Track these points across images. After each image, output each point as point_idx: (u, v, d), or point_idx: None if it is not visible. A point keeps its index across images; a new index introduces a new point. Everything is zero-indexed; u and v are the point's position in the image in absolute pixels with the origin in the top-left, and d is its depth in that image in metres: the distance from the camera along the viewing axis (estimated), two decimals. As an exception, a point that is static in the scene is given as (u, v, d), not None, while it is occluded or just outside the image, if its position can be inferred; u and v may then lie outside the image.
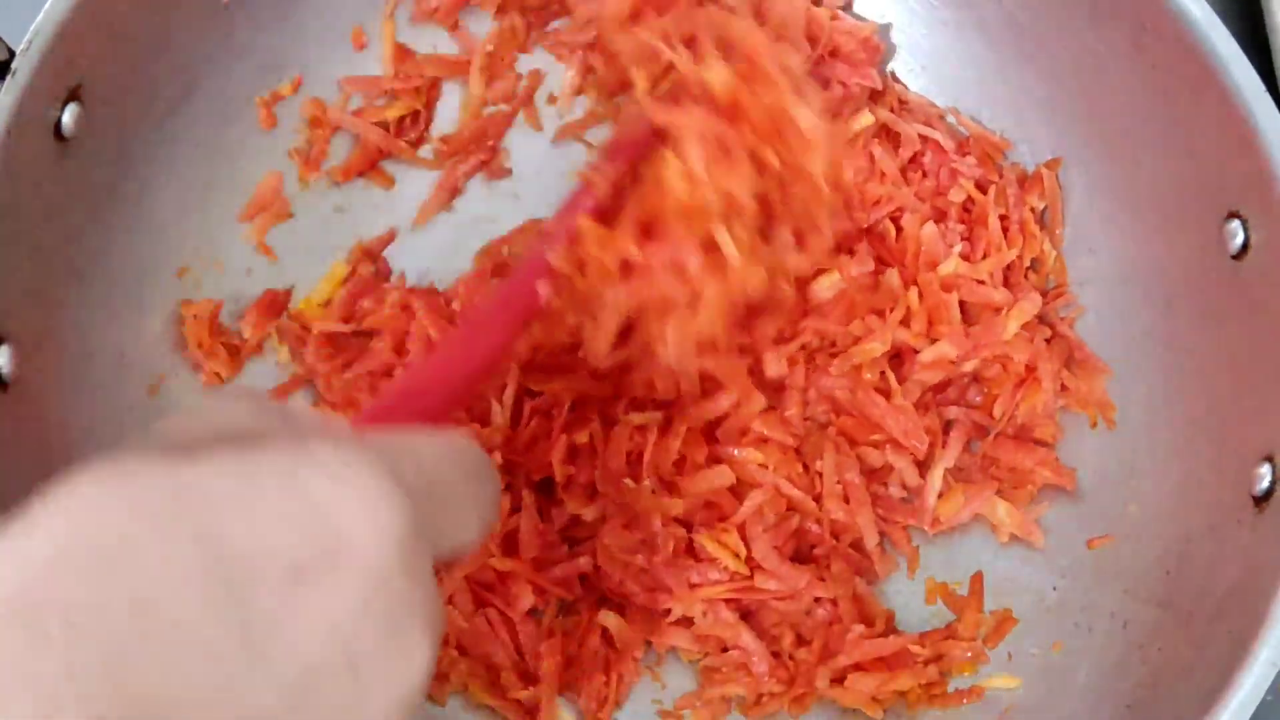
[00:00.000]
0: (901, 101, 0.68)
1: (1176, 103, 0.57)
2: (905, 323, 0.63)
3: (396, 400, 0.42)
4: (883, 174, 0.65)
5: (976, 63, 0.67)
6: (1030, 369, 0.63)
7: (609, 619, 0.60)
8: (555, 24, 0.69)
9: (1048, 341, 0.64)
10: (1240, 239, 0.54)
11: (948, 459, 0.62)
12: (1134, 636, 0.57)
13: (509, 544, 0.60)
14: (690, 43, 0.53)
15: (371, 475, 0.29)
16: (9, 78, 0.49)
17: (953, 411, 0.63)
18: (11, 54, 0.50)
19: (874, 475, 0.63)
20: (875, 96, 0.67)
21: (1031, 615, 0.61)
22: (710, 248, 0.51)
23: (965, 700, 0.60)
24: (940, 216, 0.65)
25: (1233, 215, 0.55)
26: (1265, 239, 0.53)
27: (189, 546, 0.26)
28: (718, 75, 0.51)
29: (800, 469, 0.62)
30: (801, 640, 0.60)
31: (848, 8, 0.69)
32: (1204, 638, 0.52)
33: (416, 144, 0.68)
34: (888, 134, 0.67)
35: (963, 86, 0.68)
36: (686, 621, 0.60)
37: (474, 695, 0.60)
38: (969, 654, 0.60)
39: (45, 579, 0.25)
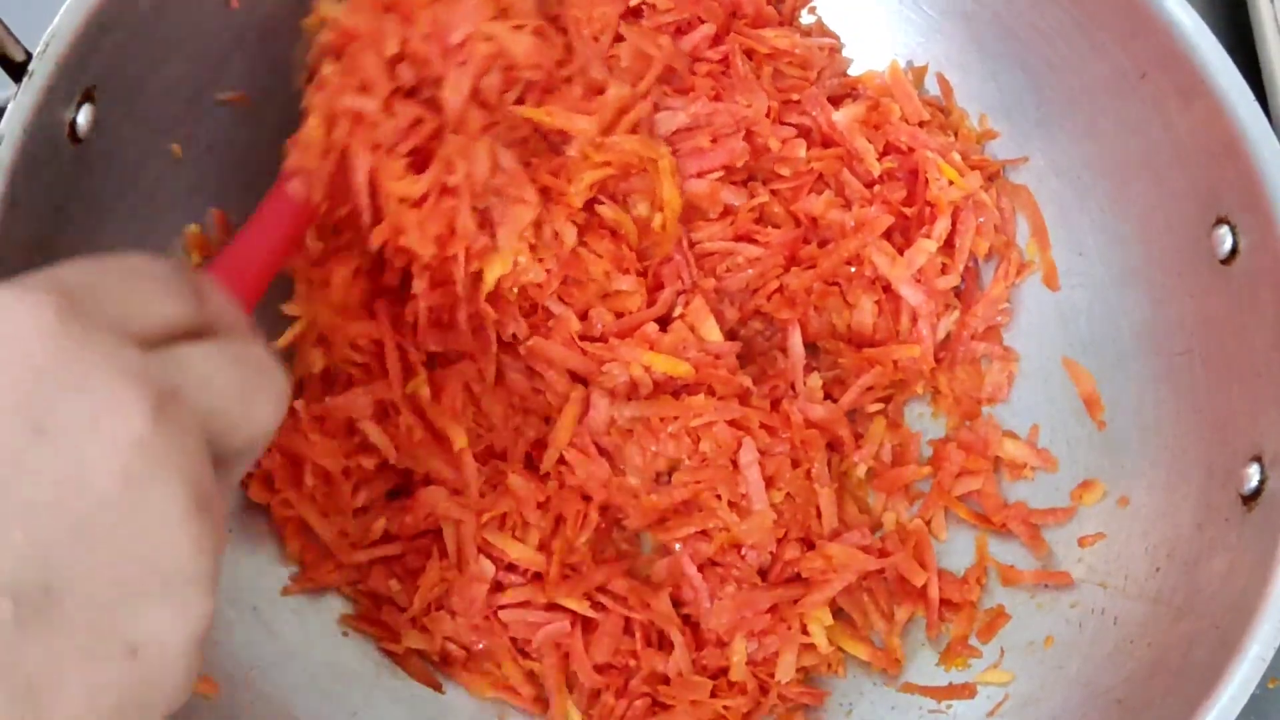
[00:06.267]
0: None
1: (1165, 109, 0.58)
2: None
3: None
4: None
5: (967, 67, 0.68)
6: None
7: None
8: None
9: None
10: (1229, 244, 0.55)
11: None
12: (1124, 632, 0.57)
13: None
14: None
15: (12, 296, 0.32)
16: (25, 79, 0.50)
17: None
18: (29, 56, 0.50)
19: None
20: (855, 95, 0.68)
21: (1023, 611, 0.62)
22: None
23: (958, 696, 0.61)
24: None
25: (1221, 220, 0.55)
26: (1253, 244, 0.54)
27: None
28: None
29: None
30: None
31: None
32: (1193, 633, 0.53)
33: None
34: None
35: (954, 90, 0.69)
36: None
37: (477, 690, 0.61)
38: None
39: None
